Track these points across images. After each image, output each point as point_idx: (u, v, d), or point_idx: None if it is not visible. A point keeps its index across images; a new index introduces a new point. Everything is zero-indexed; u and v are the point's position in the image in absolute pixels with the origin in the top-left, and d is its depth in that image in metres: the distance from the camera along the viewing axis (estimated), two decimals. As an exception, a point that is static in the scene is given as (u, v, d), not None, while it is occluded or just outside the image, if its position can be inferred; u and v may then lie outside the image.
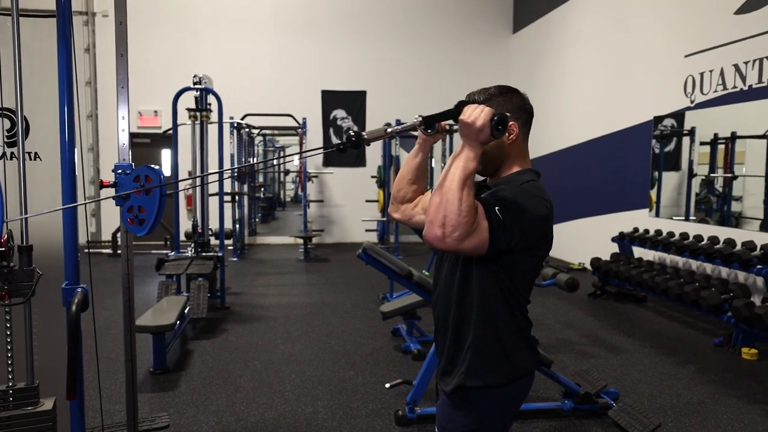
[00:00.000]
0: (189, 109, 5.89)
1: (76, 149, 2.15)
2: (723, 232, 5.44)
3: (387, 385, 3.40)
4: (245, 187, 10.12)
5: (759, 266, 4.51)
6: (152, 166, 2.17)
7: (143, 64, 10.04)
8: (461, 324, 1.54)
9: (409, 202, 1.75)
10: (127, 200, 2.18)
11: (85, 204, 1.83)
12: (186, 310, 4.82)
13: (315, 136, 10.63)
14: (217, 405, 3.43)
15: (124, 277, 2.23)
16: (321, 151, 1.71)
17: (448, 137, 10.16)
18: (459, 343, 1.55)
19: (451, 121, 1.52)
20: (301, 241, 9.36)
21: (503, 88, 1.55)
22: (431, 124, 1.52)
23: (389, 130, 1.44)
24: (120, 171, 2.18)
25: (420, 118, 1.49)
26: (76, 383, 1.90)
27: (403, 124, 1.47)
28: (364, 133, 1.39)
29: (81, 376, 2.13)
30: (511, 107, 1.52)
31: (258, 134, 11.75)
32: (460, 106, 1.41)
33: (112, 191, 2.20)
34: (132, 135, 10.36)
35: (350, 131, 1.37)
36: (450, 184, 1.32)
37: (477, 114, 1.35)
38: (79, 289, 2.07)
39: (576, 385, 3.29)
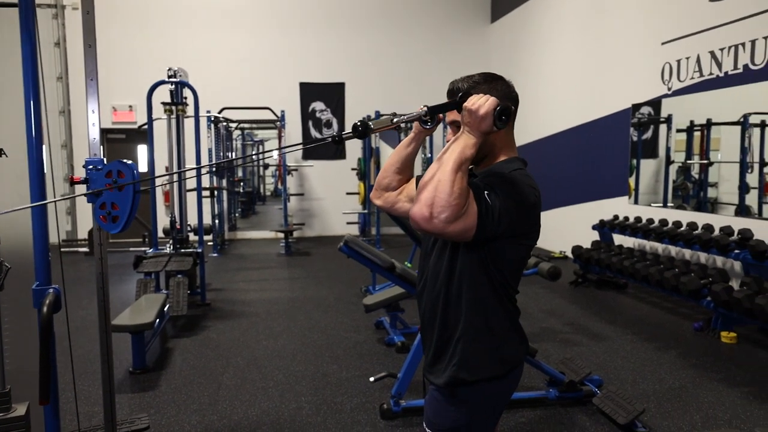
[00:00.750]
0: (164, 103, 5.77)
1: (44, 145, 2.07)
2: (700, 218, 5.50)
3: (371, 379, 3.38)
4: (224, 182, 10.00)
5: (737, 251, 4.56)
6: (125, 160, 2.11)
7: (117, 58, 9.85)
8: (450, 315, 1.51)
9: (393, 191, 1.73)
10: (99, 197, 2.11)
11: (55, 201, 1.76)
12: (165, 308, 4.74)
13: (294, 129, 10.53)
14: (199, 404, 3.37)
15: (98, 276, 2.16)
16: (323, 142, 1.68)
17: (441, 128, 10.12)
18: (448, 335, 1.52)
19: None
20: (282, 235, 9.28)
21: (488, 76, 1.52)
22: (434, 114, 1.50)
23: (395, 120, 1.42)
24: (91, 167, 2.11)
25: (425, 108, 1.46)
26: (50, 388, 1.84)
27: (408, 114, 1.46)
28: (370, 123, 1.37)
29: (55, 379, 2.07)
30: (497, 94, 1.48)
31: (236, 128, 11.60)
32: (466, 95, 1.40)
33: (83, 188, 2.13)
34: (106, 131, 10.16)
35: (357, 121, 1.36)
36: (444, 166, 1.30)
37: (481, 102, 1.35)
38: (51, 290, 2.00)
39: (560, 374, 3.29)
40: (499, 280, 1.47)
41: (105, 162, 2.12)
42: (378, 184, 1.76)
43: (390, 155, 1.76)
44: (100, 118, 2.15)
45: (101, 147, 2.25)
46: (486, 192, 1.35)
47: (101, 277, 2.15)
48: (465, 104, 1.37)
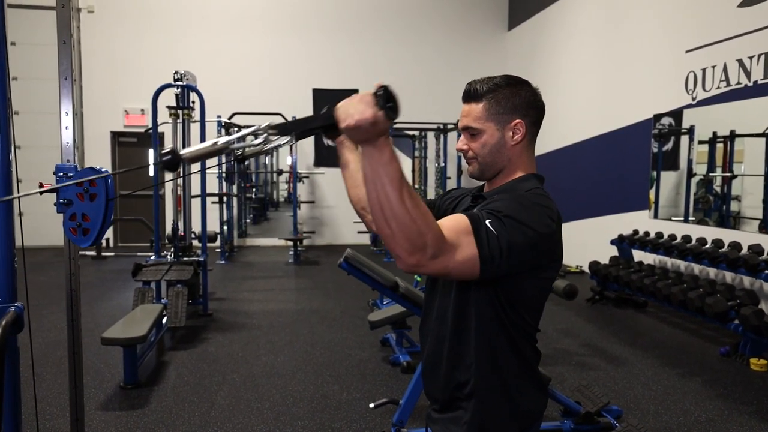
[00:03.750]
0: (169, 107, 5.64)
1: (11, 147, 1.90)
2: (722, 234, 5.21)
3: (371, 405, 3.15)
4: (234, 188, 9.86)
5: (767, 272, 4.27)
6: (98, 167, 1.92)
7: (130, 61, 9.81)
8: (458, 363, 1.28)
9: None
10: (69, 206, 1.93)
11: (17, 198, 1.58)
12: (163, 320, 4.57)
13: (306, 136, 10.36)
14: (189, 425, 3.18)
15: (68, 294, 1.98)
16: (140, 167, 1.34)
17: (442, 136, 9.93)
18: (456, 386, 1.29)
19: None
20: (291, 243, 9.10)
21: (511, 79, 1.29)
22: (288, 132, 1.12)
23: (220, 142, 1.08)
24: (61, 174, 1.93)
25: (266, 128, 1.10)
26: (0, 419, 1.65)
27: (239, 134, 1.10)
28: (184, 151, 1.05)
29: (18, 408, 1.88)
30: (519, 101, 1.27)
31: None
32: (331, 110, 1.06)
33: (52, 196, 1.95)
34: (118, 134, 10.11)
35: (165, 151, 1.03)
36: (386, 203, 1.00)
37: (355, 108, 1.00)
38: (12, 308, 1.81)
39: (576, 404, 3.05)
40: (516, 321, 1.24)
41: (78, 169, 1.95)
42: (364, 218, 1.52)
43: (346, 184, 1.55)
44: (74, 121, 1.97)
45: (114, 150, 2.06)
46: (488, 221, 1.10)
47: (71, 295, 1.96)
48: (341, 125, 1.02)
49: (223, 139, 1.07)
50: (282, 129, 1.11)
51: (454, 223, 1.10)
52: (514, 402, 1.27)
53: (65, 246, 2.00)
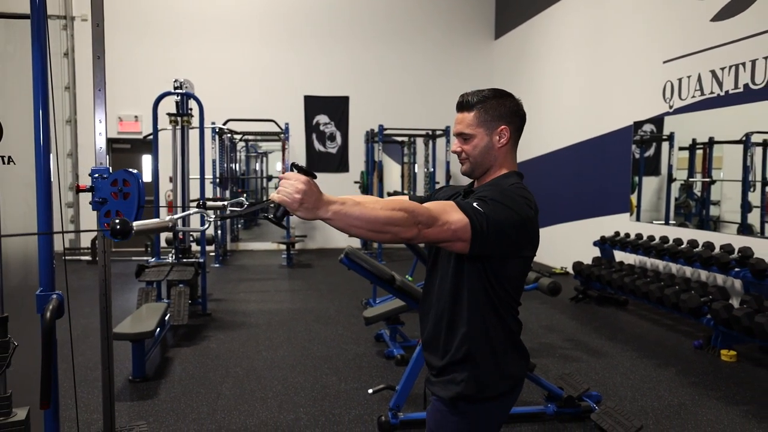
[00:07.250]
0: (170, 114, 5.83)
1: (51, 154, 2.11)
2: (701, 236, 5.51)
3: (370, 391, 3.38)
4: (227, 194, 10.04)
5: (737, 269, 4.57)
6: (130, 169, 2.15)
7: (124, 69, 9.94)
8: (454, 334, 1.53)
9: None
10: (104, 205, 2.15)
11: (62, 208, 1.80)
12: (166, 317, 4.76)
13: (298, 142, 10.60)
14: (198, 413, 3.38)
15: (101, 284, 2.19)
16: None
17: (431, 142, 10.20)
18: (452, 353, 1.54)
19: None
20: (284, 246, 9.30)
21: (497, 92, 1.55)
22: (240, 216, 1.36)
23: (166, 218, 1.32)
24: (97, 175, 2.15)
25: (216, 217, 1.34)
26: (50, 392, 1.86)
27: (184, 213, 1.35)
28: (136, 223, 1.28)
29: (56, 385, 2.09)
30: (504, 110, 1.52)
31: (240, 140, 11.68)
32: (274, 203, 1.24)
33: (88, 196, 2.16)
34: (112, 140, 10.24)
35: (116, 219, 1.28)
36: (371, 226, 1.26)
37: (292, 188, 1.20)
38: (54, 296, 2.03)
39: (558, 389, 3.29)
40: (502, 296, 1.49)
41: (110, 171, 2.17)
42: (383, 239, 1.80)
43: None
44: (107, 128, 2.19)
45: (107, 156, 2.28)
46: (475, 203, 1.36)
47: (104, 284, 2.18)
48: (293, 206, 1.21)
49: (169, 217, 1.32)
50: (233, 212, 1.34)
51: (439, 203, 1.37)
52: (501, 365, 1.52)
53: (99, 241, 2.21)
